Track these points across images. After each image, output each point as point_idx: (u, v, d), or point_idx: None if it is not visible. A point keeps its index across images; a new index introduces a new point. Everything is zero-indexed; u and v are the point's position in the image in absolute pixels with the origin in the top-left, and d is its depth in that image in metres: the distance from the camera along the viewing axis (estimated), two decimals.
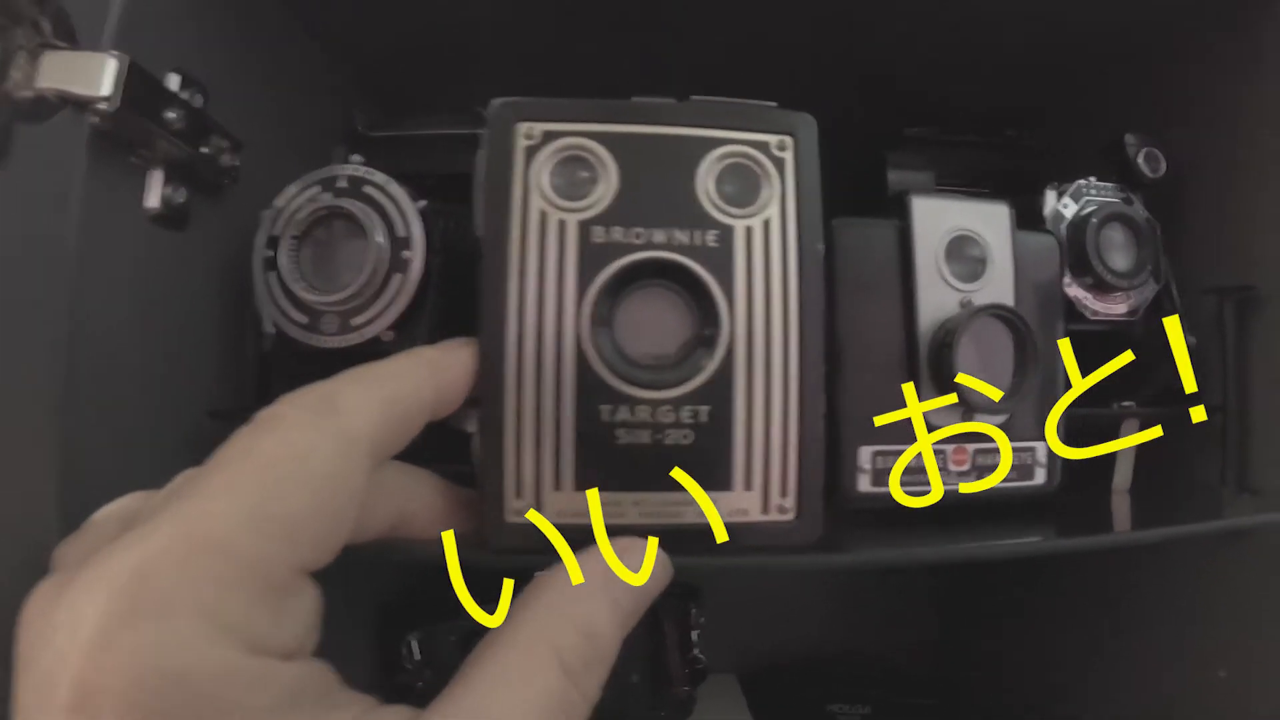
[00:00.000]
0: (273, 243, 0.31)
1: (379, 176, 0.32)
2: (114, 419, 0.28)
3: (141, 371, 0.29)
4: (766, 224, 0.24)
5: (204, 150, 0.31)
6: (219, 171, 0.32)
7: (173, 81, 0.30)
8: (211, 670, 0.14)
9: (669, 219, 0.24)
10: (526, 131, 0.24)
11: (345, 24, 0.42)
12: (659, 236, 0.24)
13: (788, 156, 0.25)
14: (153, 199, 0.30)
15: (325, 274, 0.31)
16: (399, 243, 0.31)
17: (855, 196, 0.38)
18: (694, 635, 0.49)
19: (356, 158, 0.33)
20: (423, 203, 0.32)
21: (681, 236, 0.24)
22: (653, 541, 0.22)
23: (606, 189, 0.24)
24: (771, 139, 0.25)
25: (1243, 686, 0.36)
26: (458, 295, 0.32)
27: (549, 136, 0.24)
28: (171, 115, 0.28)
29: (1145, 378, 0.36)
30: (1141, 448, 0.37)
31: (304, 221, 0.31)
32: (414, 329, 0.31)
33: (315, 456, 0.17)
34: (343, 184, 0.32)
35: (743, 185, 0.24)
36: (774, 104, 0.26)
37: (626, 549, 0.21)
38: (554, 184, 0.24)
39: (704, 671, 0.48)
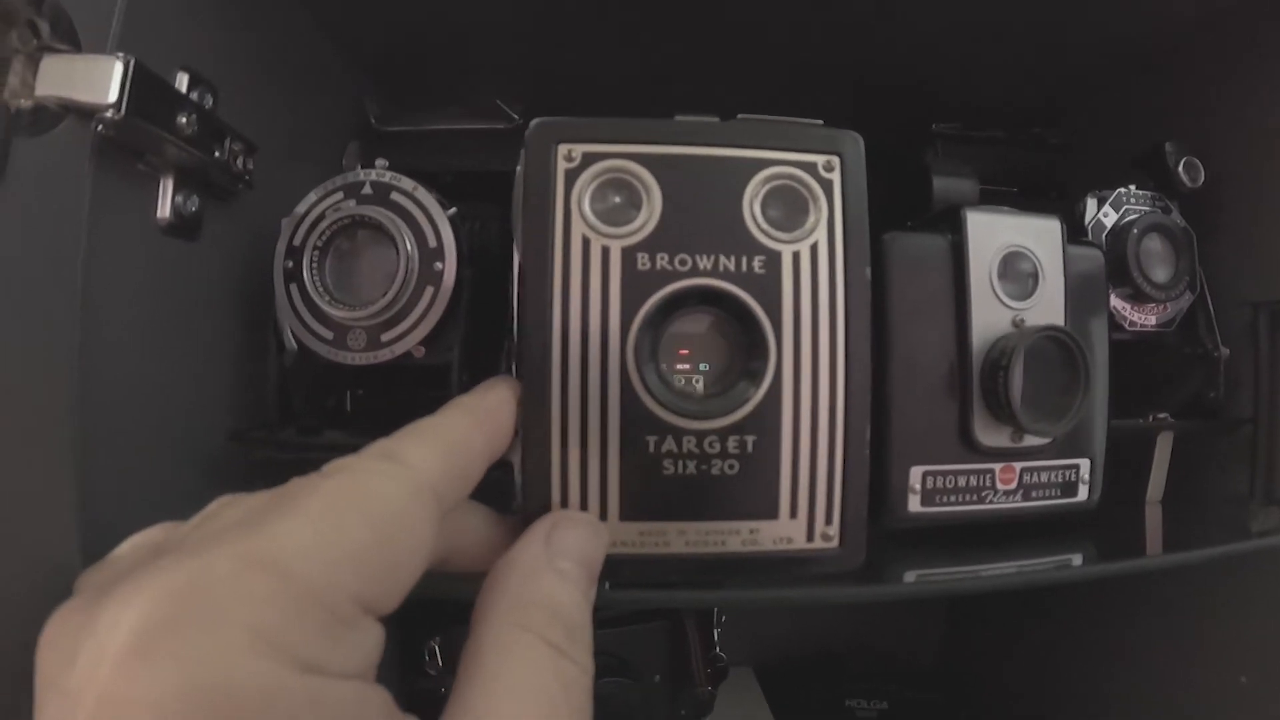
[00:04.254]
0: (293, 253, 0.30)
1: (406, 182, 0.31)
2: (130, 441, 0.27)
3: (158, 391, 0.29)
4: (814, 249, 0.23)
5: (217, 155, 0.30)
6: (233, 176, 0.31)
7: (181, 81, 0.29)
8: (260, 686, 0.13)
9: (715, 244, 0.23)
10: (566, 154, 0.23)
11: (356, 16, 0.40)
12: (705, 263, 0.23)
13: (835, 178, 0.24)
14: (164, 208, 0.29)
15: (349, 286, 0.30)
16: (430, 254, 0.30)
17: (889, 199, 0.37)
18: (715, 635, 0.49)
19: (382, 162, 0.32)
20: (452, 210, 0.31)
21: (728, 263, 0.23)
22: (580, 514, 0.22)
23: (650, 214, 0.23)
24: (819, 159, 0.24)
25: (1264, 693, 0.36)
26: (485, 305, 0.32)
27: (589, 159, 0.23)
28: (182, 120, 0.27)
29: (1178, 388, 0.36)
30: (1173, 458, 0.36)
31: (327, 231, 0.30)
32: (447, 343, 0.30)
33: (381, 498, 0.17)
34: (367, 190, 0.31)
35: (790, 209, 0.24)
36: (820, 122, 0.25)
37: (557, 522, 0.21)
38: (595, 209, 0.23)
39: (725, 670, 0.49)
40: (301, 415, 0.31)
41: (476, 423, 0.21)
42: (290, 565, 0.15)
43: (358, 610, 0.16)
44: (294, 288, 0.30)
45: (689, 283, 0.23)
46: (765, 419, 0.23)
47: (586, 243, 0.23)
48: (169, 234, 0.29)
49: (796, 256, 0.23)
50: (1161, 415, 0.36)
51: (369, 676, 0.16)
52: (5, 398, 0.23)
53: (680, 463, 0.23)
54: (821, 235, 0.24)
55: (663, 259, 0.23)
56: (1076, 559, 0.30)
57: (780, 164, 0.24)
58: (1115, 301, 0.35)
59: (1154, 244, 0.35)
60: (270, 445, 0.30)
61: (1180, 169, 0.36)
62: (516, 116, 0.41)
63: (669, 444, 0.23)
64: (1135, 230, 0.34)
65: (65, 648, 0.14)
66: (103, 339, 0.25)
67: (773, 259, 0.23)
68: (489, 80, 0.46)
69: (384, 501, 0.17)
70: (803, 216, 0.24)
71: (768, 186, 0.23)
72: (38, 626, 0.16)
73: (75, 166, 0.24)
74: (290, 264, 0.30)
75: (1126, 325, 0.36)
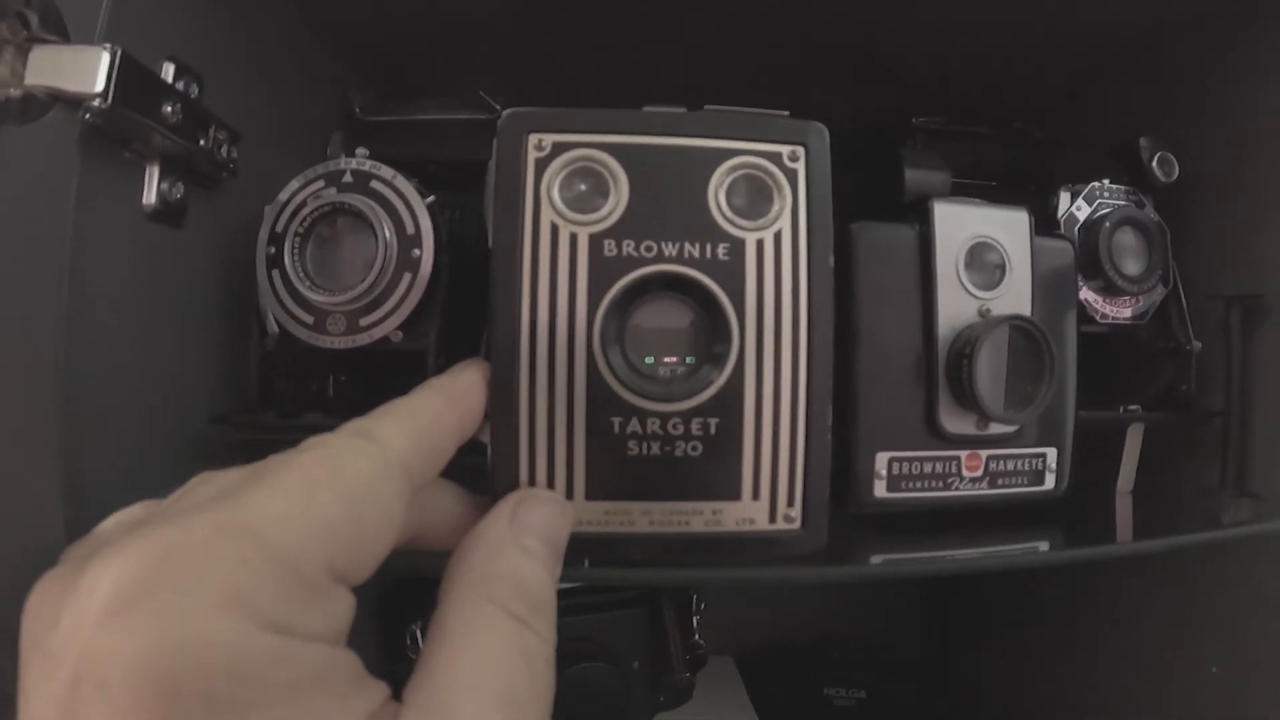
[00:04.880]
0: (276, 239, 0.31)
1: (386, 171, 0.32)
2: (115, 424, 0.27)
3: (143, 374, 0.29)
4: (778, 236, 0.24)
5: (202, 143, 0.31)
6: (217, 164, 0.32)
7: (167, 70, 0.29)
8: (231, 643, 0.14)
9: (680, 232, 0.24)
10: (537, 143, 0.23)
11: (341, 9, 0.41)
12: (670, 249, 0.23)
13: (799, 167, 0.24)
14: (149, 195, 0.29)
15: (329, 272, 0.31)
16: (408, 240, 0.31)
17: (865, 190, 0.37)
18: (695, 622, 0.50)
19: (362, 151, 0.32)
20: (431, 198, 0.32)
21: (692, 249, 0.23)
22: (546, 492, 0.23)
23: (617, 201, 0.23)
24: (784, 149, 0.24)
25: (1235, 682, 0.36)
26: (464, 291, 0.32)
27: (559, 148, 0.23)
28: (167, 109, 0.28)
29: (1150, 381, 0.36)
30: (1144, 450, 0.37)
31: (308, 218, 0.30)
32: (424, 329, 0.31)
33: (352, 471, 0.18)
34: (348, 179, 0.31)
35: (754, 197, 0.24)
36: (786, 113, 0.25)
37: (522, 500, 0.22)
38: (564, 197, 0.23)
39: (704, 657, 0.49)
40: (283, 398, 0.31)
41: (448, 403, 0.22)
42: (264, 532, 0.16)
43: (328, 578, 0.17)
44: (276, 273, 0.31)
45: (653, 269, 0.23)
46: (728, 402, 0.24)
47: (555, 229, 0.23)
48: (154, 220, 0.30)
49: (760, 244, 0.24)
50: (1133, 407, 0.36)
51: (338, 642, 0.17)
52: None
53: (645, 444, 0.23)
54: (785, 224, 0.24)
55: (629, 245, 0.23)
56: (1043, 545, 0.30)
57: (745, 154, 0.24)
58: (1087, 294, 0.36)
59: (1126, 238, 0.36)
60: (251, 427, 0.31)
61: (1154, 164, 0.37)
62: (498, 107, 0.42)
63: (634, 425, 0.23)
64: (1107, 224, 0.35)
65: (48, 612, 0.15)
66: (88, 323, 0.26)
67: (736, 246, 0.24)
68: (471, 71, 0.47)
69: (356, 475, 0.18)
70: (767, 205, 0.24)
71: (733, 176, 0.24)
72: (23, 602, 0.16)
73: (63, 154, 0.25)
74: (272, 250, 0.31)
75: (1099, 318, 0.36)
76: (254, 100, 0.36)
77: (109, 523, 0.20)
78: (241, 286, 0.32)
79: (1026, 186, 0.46)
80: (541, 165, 0.24)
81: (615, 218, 0.23)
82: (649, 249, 0.23)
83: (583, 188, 0.23)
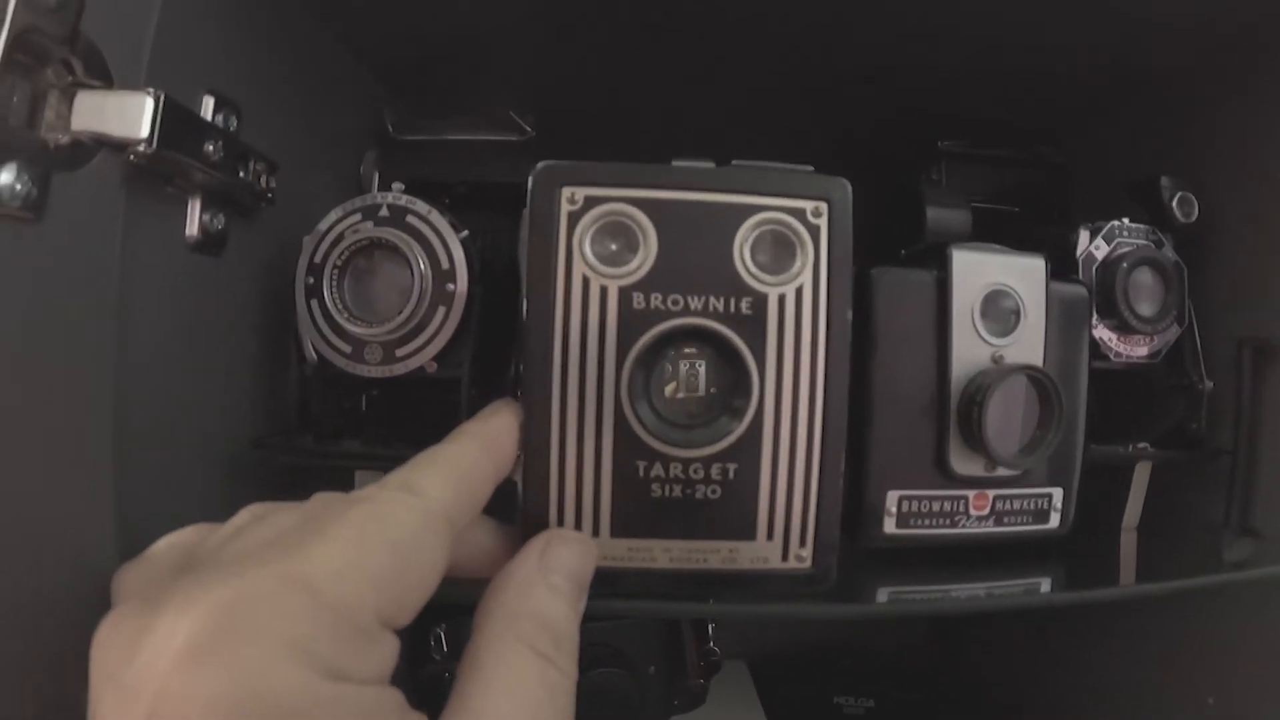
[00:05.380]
0: (314, 270, 0.32)
1: (421, 206, 0.33)
2: (162, 446, 0.29)
3: (188, 398, 0.30)
4: (799, 291, 0.25)
5: (241, 175, 0.32)
6: (256, 195, 0.33)
7: (206, 104, 0.30)
8: (294, 692, 0.16)
9: (706, 286, 0.25)
10: (569, 196, 0.25)
11: (375, 31, 0.42)
12: (696, 303, 0.24)
13: (822, 223, 0.25)
14: (192, 227, 0.30)
15: (366, 303, 0.32)
16: (443, 274, 0.32)
17: (887, 223, 0.38)
18: (709, 629, 0.51)
19: (398, 186, 0.34)
20: (464, 233, 0.33)
21: (717, 304, 0.25)
22: (572, 533, 0.24)
23: (646, 255, 0.24)
24: (807, 205, 0.25)
25: (1229, 715, 0.37)
26: (496, 318, 0.33)
27: (590, 202, 0.25)
28: (209, 148, 0.29)
29: (1161, 417, 0.37)
30: (1152, 483, 0.38)
31: (346, 251, 0.32)
32: (458, 359, 0.32)
33: (401, 526, 0.19)
34: (385, 213, 0.33)
35: (778, 253, 0.25)
36: (810, 168, 0.26)
37: (550, 540, 0.23)
38: (595, 251, 0.24)
39: (718, 664, 0.51)
40: (320, 422, 0.33)
41: (484, 449, 0.23)
42: (323, 586, 0.17)
43: (378, 624, 0.18)
44: (314, 303, 0.32)
45: (679, 322, 0.24)
46: (746, 449, 0.25)
47: (586, 282, 0.24)
48: (196, 251, 0.31)
49: (782, 299, 0.25)
50: (1142, 445, 0.37)
51: (385, 681, 0.19)
52: (50, 409, 0.25)
53: (667, 486, 0.25)
54: (807, 279, 0.25)
55: (656, 299, 0.24)
56: (1045, 584, 0.31)
57: (770, 209, 0.25)
58: (1102, 332, 0.36)
59: (1144, 277, 0.36)
60: (290, 452, 0.32)
61: (1174, 204, 0.37)
62: (529, 129, 0.43)
63: (657, 469, 0.25)
64: (1125, 264, 0.35)
65: (123, 647, 0.16)
66: (136, 352, 0.27)
67: (760, 301, 0.25)
68: (502, 90, 0.48)
69: (403, 529, 0.19)
70: (790, 261, 0.25)
71: (757, 231, 0.25)
72: (77, 618, 0.18)
73: (110, 196, 0.26)
74: (311, 280, 0.32)
75: (1113, 356, 0.37)
76: (290, 124, 0.37)
77: (161, 545, 0.22)
78: (280, 312, 0.34)
79: (1049, 212, 0.47)
80: (574, 219, 0.25)
81: (644, 271, 0.24)
82: (675, 302, 0.24)
83: (613, 245, 0.24)
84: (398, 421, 0.35)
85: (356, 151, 0.43)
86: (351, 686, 0.17)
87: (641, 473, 0.25)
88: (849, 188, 0.26)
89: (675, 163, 0.25)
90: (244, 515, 0.21)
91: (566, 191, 0.25)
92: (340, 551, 0.18)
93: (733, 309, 0.25)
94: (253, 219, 0.34)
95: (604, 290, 0.24)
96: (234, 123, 0.32)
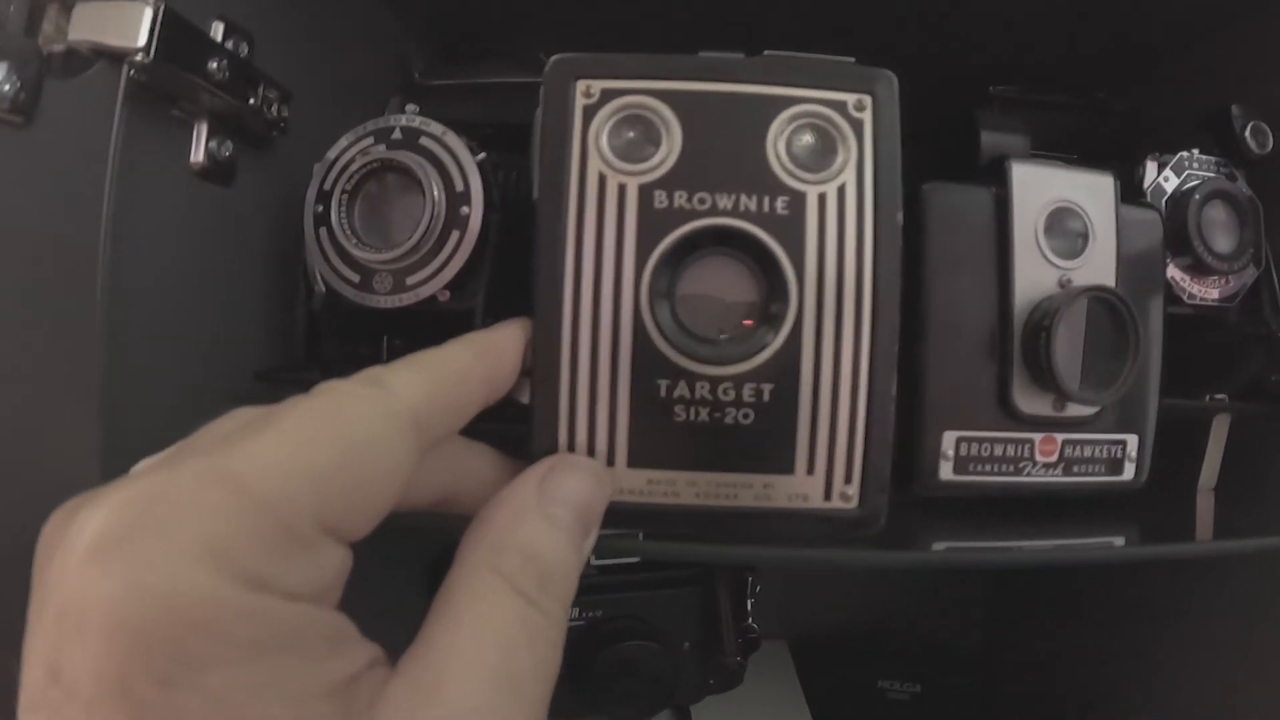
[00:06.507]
0: (324, 197, 0.30)
1: (435, 127, 0.31)
2: (159, 379, 0.28)
3: (189, 330, 0.29)
4: (841, 190, 0.22)
5: (251, 101, 0.30)
6: (267, 123, 0.32)
7: (216, 30, 0.29)
8: (201, 596, 0.14)
9: (736, 183, 0.22)
10: (585, 90, 0.22)
11: None
12: (725, 202, 0.22)
13: (866, 117, 0.23)
14: (197, 153, 0.29)
15: (378, 230, 0.30)
16: (456, 198, 0.30)
17: (940, 158, 0.35)
18: (749, 605, 0.48)
19: (412, 107, 0.32)
20: (481, 155, 0.31)
21: (749, 203, 0.22)
22: (583, 459, 0.22)
23: (669, 151, 0.22)
24: (849, 98, 0.23)
25: None
26: (516, 253, 0.31)
27: (608, 95, 0.22)
28: (213, 66, 0.28)
29: (1238, 369, 0.33)
30: (1230, 443, 0.34)
31: (355, 175, 0.30)
32: (471, 289, 0.30)
33: (353, 420, 0.17)
34: (397, 135, 0.31)
35: (817, 148, 0.22)
36: (852, 59, 0.23)
37: (555, 465, 0.21)
38: (613, 145, 0.22)
39: (757, 641, 0.48)
40: (329, 358, 0.31)
41: (477, 355, 0.21)
42: (250, 480, 0.15)
43: (317, 531, 0.16)
44: (323, 231, 0.30)
45: (706, 222, 0.22)
46: (784, 368, 0.22)
47: (603, 179, 0.22)
48: (203, 178, 0.30)
49: (823, 198, 0.22)
50: (1219, 396, 0.33)
51: (327, 600, 0.17)
52: (36, 333, 0.24)
53: (692, 409, 0.22)
54: (850, 177, 0.22)
55: (681, 197, 0.22)
56: (1119, 540, 0.28)
57: (808, 101, 0.23)
58: (1174, 272, 0.33)
59: (1217, 212, 0.33)
60: (295, 385, 0.30)
61: (1248, 134, 0.34)
62: None
63: (681, 389, 0.22)
64: (1197, 196, 0.32)
65: (46, 544, 0.15)
66: (133, 277, 0.26)
67: (797, 200, 0.22)
68: (535, 32, 0.46)
69: (356, 424, 0.17)
70: (831, 157, 0.22)
71: (794, 125, 0.22)
72: None
73: (105, 108, 0.25)
74: (320, 208, 0.30)
75: (1185, 298, 0.33)
76: (309, 59, 0.36)
77: (140, 466, 0.20)
78: (292, 245, 0.32)
79: (1110, 160, 0.43)
80: (590, 113, 0.22)
81: (667, 168, 0.22)
82: (702, 201, 0.22)
83: (632, 135, 0.22)
84: None
85: (383, 94, 0.42)
86: (275, 599, 0.15)
87: (663, 393, 0.22)
88: (895, 81, 0.23)
89: (702, 53, 0.23)
90: (223, 416, 0.19)
91: (582, 85, 0.23)
92: (276, 446, 0.16)
93: (767, 208, 0.22)
94: (266, 150, 0.33)
95: (622, 188, 0.22)
96: (244, 49, 0.31)
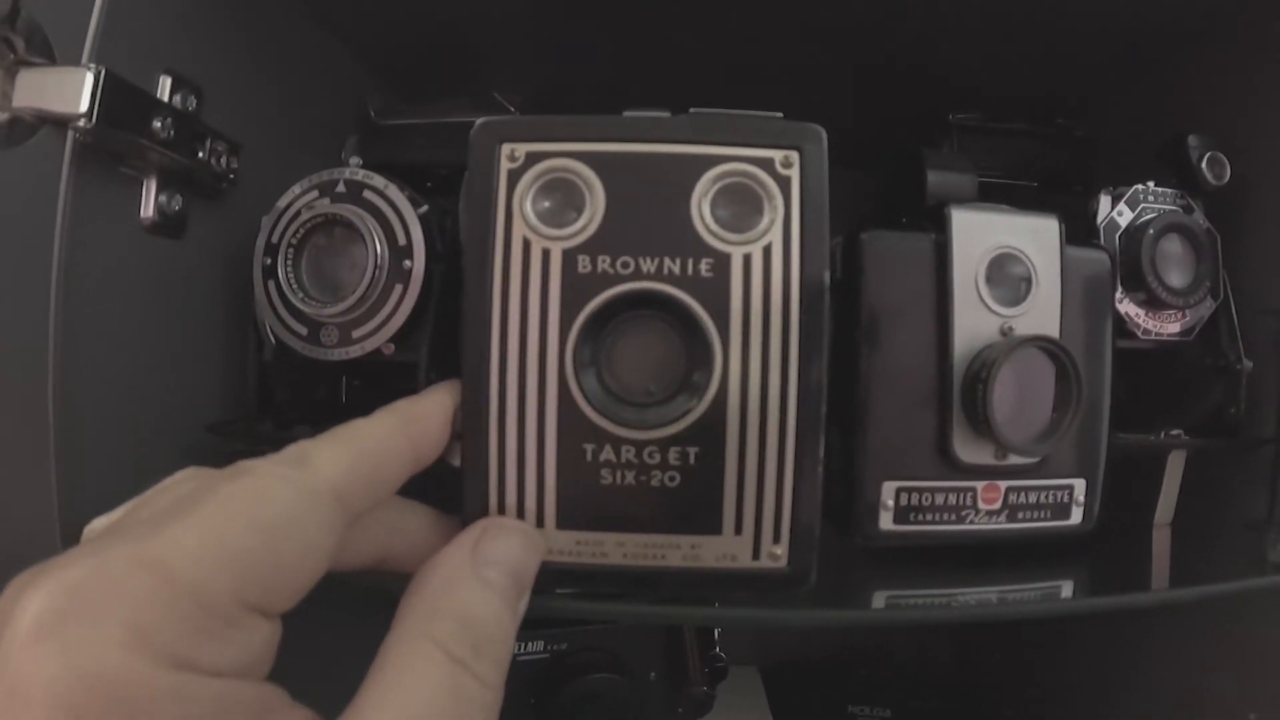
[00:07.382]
0: (271, 250, 0.30)
1: (378, 180, 0.31)
2: (113, 432, 0.28)
3: (142, 383, 0.29)
4: (767, 251, 0.22)
5: (199, 155, 0.31)
6: (216, 175, 0.32)
7: (163, 84, 0.29)
8: (127, 678, 0.15)
9: (660, 246, 0.22)
10: (510, 153, 0.22)
11: (355, 12, 0.40)
12: (648, 265, 0.22)
13: (793, 174, 0.23)
14: (147, 208, 0.29)
15: (324, 283, 0.30)
16: (399, 251, 0.30)
17: (891, 192, 0.35)
18: (715, 634, 0.48)
19: (356, 160, 0.32)
20: (424, 208, 0.31)
21: (673, 265, 0.22)
22: (514, 522, 0.22)
23: (593, 215, 0.22)
24: (776, 154, 0.23)
25: None
26: (460, 302, 0.31)
27: (533, 158, 0.22)
28: (158, 124, 0.28)
29: (1196, 402, 0.33)
30: (1187, 476, 0.34)
31: (301, 229, 0.30)
32: (415, 340, 0.30)
33: (272, 502, 0.18)
34: (341, 189, 0.31)
35: (742, 208, 0.22)
36: (779, 115, 0.23)
37: (488, 529, 0.21)
38: (537, 210, 0.22)
39: (724, 670, 0.48)
40: (281, 409, 0.31)
41: (401, 426, 0.21)
42: (172, 566, 0.16)
43: (241, 609, 0.16)
44: (271, 284, 0.30)
45: (626, 287, 0.22)
46: (709, 431, 0.22)
47: (527, 244, 0.22)
48: (153, 233, 0.30)
49: (748, 259, 0.22)
50: (1175, 432, 0.33)
51: (256, 672, 0.17)
52: None
53: (619, 473, 0.22)
54: (776, 236, 0.22)
55: (604, 261, 0.22)
56: (1067, 588, 0.28)
57: (733, 160, 0.22)
58: (1129, 308, 0.33)
59: (1172, 246, 0.33)
60: (245, 437, 0.31)
61: (1204, 164, 0.33)
62: (513, 109, 0.41)
63: (607, 453, 0.22)
64: (1151, 231, 0.32)
65: (3, 617, 0.16)
66: (85, 334, 0.26)
67: (721, 262, 0.22)
68: (488, 72, 0.46)
69: (275, 505, 0.17)
70: (756, 217, 0.22)
71: (719, 185, 0.22)
72: None
73: (50, 173, 0.25)
74: (268, 261, 0.30)
75: (1140, 333, 0.33)
76: (262, 104, 0.36)
77: (94, 525, 0.21)
78: (243, 296, 0.32)
79: (1070, 187, 0.43)
80: (514, 177, 0.22)
81: (590, 232, 0.22)
82: (625, 265, 0.22)
83: (552, 202, 0.22)
84: (368, 409, 0.33)
85: (340, 135, 0.42)
86: (199, 677, 0.15)
87: (589, 456, 0.22)
88: (824, 136, 0.23)
89: (626, 113, 0.23)
90: (167, 480, 0.20)
91: (506, 148, 0.23)
92: (198, 531, 0.16)
93: (690, 271, 0.22)
94: (216, 201, 0.33)
95: (546, 253, 0.22)
96: (193, 103, 0.31)
